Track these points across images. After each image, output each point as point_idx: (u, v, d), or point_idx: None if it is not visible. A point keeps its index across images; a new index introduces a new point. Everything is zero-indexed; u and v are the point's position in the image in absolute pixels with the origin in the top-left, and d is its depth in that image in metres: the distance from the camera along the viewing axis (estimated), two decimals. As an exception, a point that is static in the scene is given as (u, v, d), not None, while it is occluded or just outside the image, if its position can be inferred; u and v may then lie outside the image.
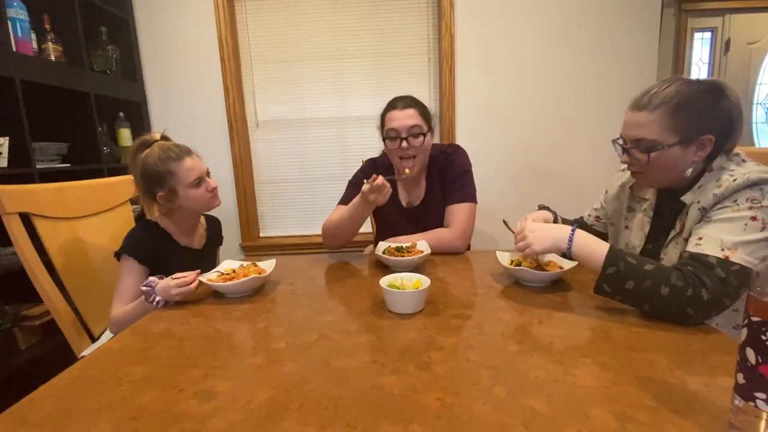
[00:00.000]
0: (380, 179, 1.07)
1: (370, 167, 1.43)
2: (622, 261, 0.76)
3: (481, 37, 2.22)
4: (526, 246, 0.88)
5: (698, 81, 0.83)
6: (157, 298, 0.91)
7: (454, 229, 1.28)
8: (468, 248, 1.40)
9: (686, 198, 0.85)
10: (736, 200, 0.76)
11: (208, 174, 1.14)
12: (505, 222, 1.07)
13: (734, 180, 0.77)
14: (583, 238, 0.83)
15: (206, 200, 1.12)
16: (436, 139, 2.32)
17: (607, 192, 1.14)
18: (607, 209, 1.13)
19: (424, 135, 1.26)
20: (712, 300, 0.70)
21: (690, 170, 0.85)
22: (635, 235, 1.00)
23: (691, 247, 0.77)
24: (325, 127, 2.38)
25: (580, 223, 1.24)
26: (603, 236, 1.19)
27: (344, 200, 1.35)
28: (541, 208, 1.19)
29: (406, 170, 1.27)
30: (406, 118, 1.24)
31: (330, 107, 2.36)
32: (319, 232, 1.30)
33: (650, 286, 0.73)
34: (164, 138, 1.14)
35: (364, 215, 1.19)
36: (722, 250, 0.73)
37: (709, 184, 0.81)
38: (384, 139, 1.29)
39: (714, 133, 0.81)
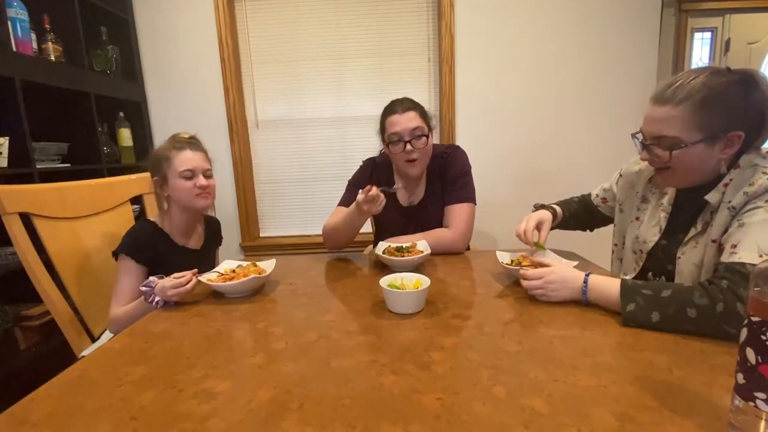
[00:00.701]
0: (374, 190, 1.06)
1: (369, 167, 1.43)
2: (637, 295, 0.72)
3: (481, 37, 2.22)
4: (544, 297, 0.85)
5: (729, 71, 0.76)
6: (156, 298, 0.91)
7: (454, 229, 1.28)
8: (468, 248, 1.40)
9: (711, 197, 0.79)
10: None
11: (206, 174, 1.12)
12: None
13: None
14: (596, 284, 0.80)
15: (191, 196, 1.09)
16: (436, 140, 2.33)
17: (621, 176, 1.07)
18: (619, 194, 1.07)
19: (427, 136, 1.26)
20: None
21: (723, 167, 0.78)
22: (649, 229, 0.95)
23: (726, 257, 0.71)
24: (325, 127, 2.38)
25: (584, 201, 1.20)
26: (608, 219, 1.15)
27: (344, 201, 1.35)
28: (538, 207, 1.18)
29: (410, 171, 1.27)
30: (407, 121, 1.24)
31: (330, 107, 2.36)
32: (319, 232, 1.31)
33: (675, 312, 0.69)
34: (191, 137, 1.15)
35: (360, 222, 1.19)
36: (760, 256, 0.67)
37: (739, 182, 0.76)
38: (387, 144, 1.29)
39: (743, 129, 0.75)
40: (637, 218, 1.00)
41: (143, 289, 0.93)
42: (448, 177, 1.34)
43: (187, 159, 1.09)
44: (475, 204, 1.33)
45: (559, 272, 0.85)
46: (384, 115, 1.30)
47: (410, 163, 1.27)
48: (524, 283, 0.87)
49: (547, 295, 0.84)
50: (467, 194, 1.32)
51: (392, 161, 1.35)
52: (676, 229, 0.89)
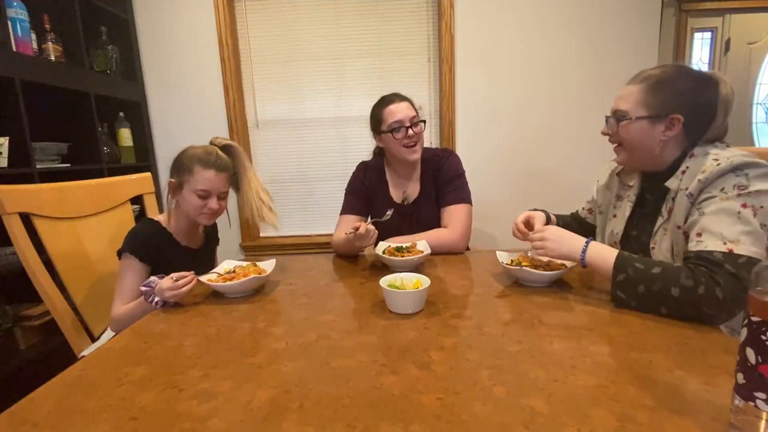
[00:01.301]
0: (362, 228, 1.09)
1: (362, 171, 1.47)
2: (630, 267, 0.77)
3: (480, 37, 2.22)
4: (542, 251, 0.91)
5: (697, 70, 0.86)
6: (156, 299, 0.91)
7: (454, 228, 1.29)
8: (467, 248, 1.40)
9: (671, 183, 0.86)
10: (723, 188, 0.76)
11: (221, 196, 1.10)
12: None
13: (718, 164, 0.77)
14: (596, 248, 0.84)
15: (196, 212, 1.09)
16: (436, 139, 2.33)
17: (598, 181, 1.15)
18: (598, 199, 1.14)
19: (423, 122, 1.34)
20: (728, 298, 0.69)
21: (659, 148, 0.86)
22: (620, 221, 1.01)
23: (693, 246, 0.77)
24: (325, 127, 2.38)
25: (575, 216, 1.25)
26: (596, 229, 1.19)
27: (345, 210, 1.41)
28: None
29: (411, 156, 1.33)
30: (406, 110, 1.32)
31: (330, 107, 2.36)
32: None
33: (660, 289, 0.74)
34: (225, 147, 1.14)
35: (359, 248, 1.21)
36: (724, 243, 0.72)
37: (694, 170, 0.82)
38: (386, 133, 1.33)
39: (683, 114, 0.83)
40: (615, 216, 1.06)
41: (143, 289, 0.93)
42: (443, 179, 1.38)
43: (207, 179, 1.06)
44: (472, 205, 1.36)
45: (560, 231, 0.91)
46: (379, 107, 1.35)
47: (411, 149, 1.32)
48: (529, 236, 0.96)
49: (546, 247, 0.90)
50: (463, 195, 1.36)
51: (390, 151, 1.37)
52: (643, 220, 0.95)
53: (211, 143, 1.15)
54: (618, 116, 0.89)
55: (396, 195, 1.43)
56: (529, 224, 1.07)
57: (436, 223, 1.35)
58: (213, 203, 1.08)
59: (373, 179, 1.44)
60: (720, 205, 0.76)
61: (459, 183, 1.37)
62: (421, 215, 1.39)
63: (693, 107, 0.84)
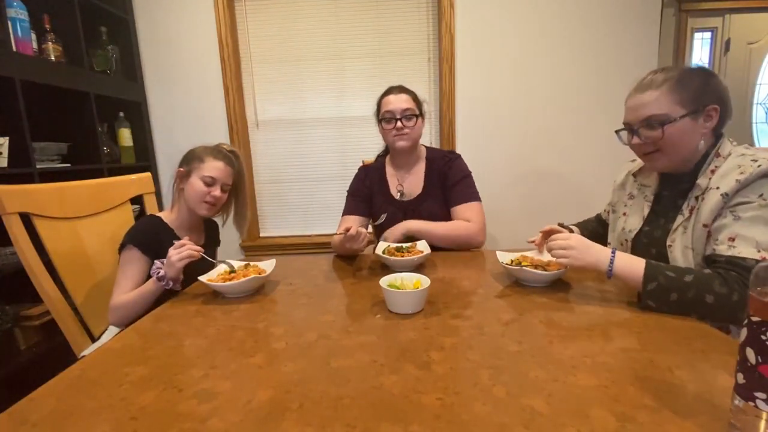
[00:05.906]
0: (353, 229, 1.11)
1: (363, 172, 1.49)
2: (661, 275, 0.77)
3: (481, 37, 2.22)
4: (564, 259, 0.86)
5: (695, 66, 0.89)
6: (161, 273, 0.97)
7: (474, 222, 1.32)
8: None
9: (701, 181, 0.84)
10: (761, 194, 0.76)
11: (224, 188, 1.17)
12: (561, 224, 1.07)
13: (759, 166, 0.76)
14: (622, 259, 0.83)
15: (199, 199, 1.14)
16: (436, 139, 2.33)
17: (615, 181, 1.15)
18: (613, 198, 1.14)
19: (417, 117, 1.36)
20: None
21: (702, 143, 0.86)
22: (633, 219, 1.01)
23: (724, 250, 0.77)
24: (325, 127, 2.38)
25: (598, 218, 1.25)
26: None
27: (346, 211, 1.43)
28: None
29: (398, 143, 1.35)
30: (400, 102, 1.34)
31: (330, 107, 2.36)
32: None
33: (694, 296, 0.74)
34: (231, 152, 1.22)
35: (354, 249, 1.21)
36: (758, 251, 0.73)
37: (728, 168, 0.81)
38: (380, 122, 1.37)
39: (717, 103, 0.84)
40: (624, 213, 1.06)
41: (154, 269, 0.99)
42: (452, 179, 1.39)
43: (215, 168, 1.14)
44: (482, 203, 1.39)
45: (586, 240, 0.87)
46: (381, 96, 1.40)
47: (398, 137, 1.35)
48: (549, 244, 0.91)
49: (570, 255, 0.86)
50: (475, 194, 1.39)
51: (384, 139, 1.42)
52: (657, 216, 0.95)
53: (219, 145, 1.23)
54: (655, 121, 0.85)
55: (396, 190, 1.44)
56: (550, 234, 1.06)
57: (438, 220, 1.35)
58: (216, 191, 1.15)
59: (373, 179, 1.45)
60: (757, 211, 0.75)
61: (469, 182, 1.40)
62: (422, 211, 1.39)
63: (717, 98, 0.85)
